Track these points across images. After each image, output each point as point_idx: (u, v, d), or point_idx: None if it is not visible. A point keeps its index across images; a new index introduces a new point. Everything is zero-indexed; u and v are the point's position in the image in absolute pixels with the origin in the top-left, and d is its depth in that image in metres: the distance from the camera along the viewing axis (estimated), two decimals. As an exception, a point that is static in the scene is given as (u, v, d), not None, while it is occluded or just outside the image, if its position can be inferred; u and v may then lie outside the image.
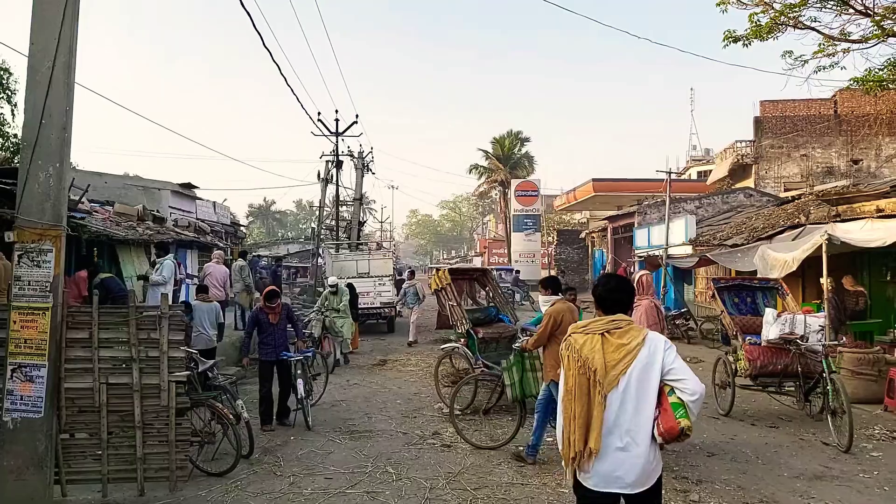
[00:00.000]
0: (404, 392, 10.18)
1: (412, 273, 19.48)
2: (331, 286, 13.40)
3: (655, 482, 3.29)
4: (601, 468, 3.20)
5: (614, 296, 3.48)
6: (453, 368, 10.54)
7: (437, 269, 10.57)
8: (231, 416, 6.45)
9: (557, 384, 3.90)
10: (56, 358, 5.39)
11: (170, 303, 5.87)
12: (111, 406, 5.56)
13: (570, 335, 3.42)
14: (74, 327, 5.53)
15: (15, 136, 17.57)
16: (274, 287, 9.13)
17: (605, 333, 3.30)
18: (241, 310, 15.83)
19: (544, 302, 7.04)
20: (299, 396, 8.12)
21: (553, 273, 32.79)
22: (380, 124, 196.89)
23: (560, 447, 3.34)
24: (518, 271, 33.15)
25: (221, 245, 24.46)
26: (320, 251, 24.98)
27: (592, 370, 3.23)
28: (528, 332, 7.59)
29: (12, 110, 18.67)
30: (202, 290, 10.68)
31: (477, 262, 56.86)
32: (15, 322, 5.30)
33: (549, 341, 6.42)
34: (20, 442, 5.27)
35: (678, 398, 3.19)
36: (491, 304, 11.14)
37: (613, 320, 3.36)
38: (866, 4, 14.46)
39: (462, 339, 9.39)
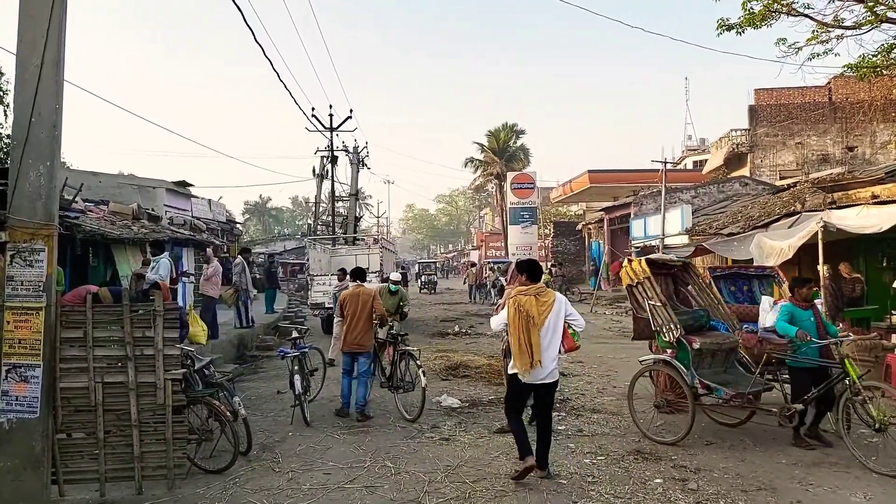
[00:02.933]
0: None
1: (344, 272, 13.59)
2: (393, 282, 11.51)
3: (556, 379, 6.09)
4: (536, 372, 5.85)
5: (535, 273, 6.18)
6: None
7: (629, 260, 8.12)
8: (228, 413, 6.42)
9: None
10: (51, 358, 5.37)
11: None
12: (107, 405, 5.54)
13: (516, 296, 5.98)
14: (69, 326, 5.51)
15: (8, 136, 17.51)
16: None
17: (535, 295, 5.95)
18: (245, 308, 15.49)
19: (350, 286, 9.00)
20: (296, 392, 8.11)
21: (551, 265, 32.80)
22: (374, 119, 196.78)
23: (513, 362, 5.91)
24: (494, 264, 35.36)
25: (218, 242, 24.43)
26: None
27: (531, 316, 5.83)
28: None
29: (4, 111, 18.58)
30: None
31: (474, 256, 56.89)
32: (8, 322, 5.28)
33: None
34: (16, 443, 5.25)
35: (573, 329, 6.14)
36: (698, 307, 8.44)
37: (538, 288, 6.05)
38: (859, -10, 14.45)
39: (670, 350, 7.46)
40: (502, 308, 6.69)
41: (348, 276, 11.34)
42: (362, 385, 8.42)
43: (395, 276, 11.94)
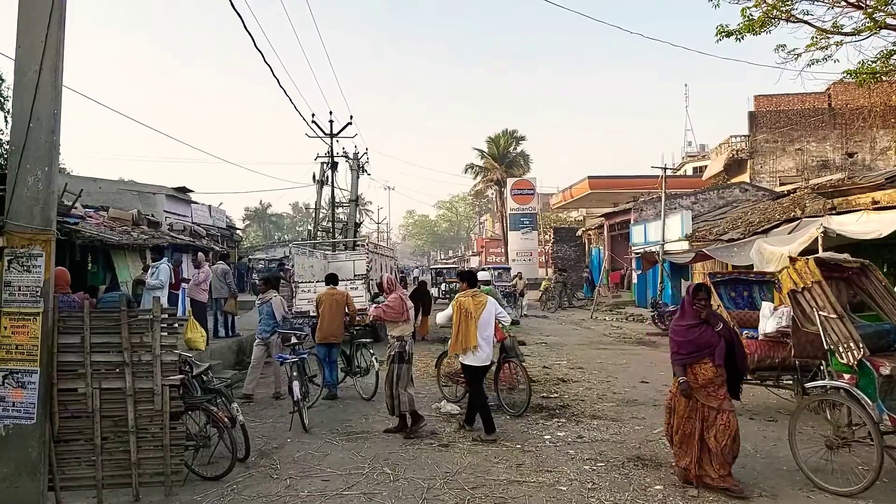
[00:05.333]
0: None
1: (268, 281, 10.95)
2: (482, 282, 10.12)
3: (489, 363, 7.88)
4: (479, 356, 7.62)
5: (472, 279, 8.12)
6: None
7: (794, 260, 6.73)
8: (226, 420, 6.39)
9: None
10: (48, 363, 5.34)
11: (163, 306, 5.84)
12: (104, 411, 5.51)
13: (458, 298, 7.87)
14: (66, 332, 5.48)
15: (8, 142, 17.49)
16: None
17: (472, 297, 7.76)
18: (225, 316, 14.97)
19: (322, 289, 10.38)
20: (295, 398, 8.08)
21: (551, 272, 32.77)
22: (374, 125, 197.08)
23: (451, 348, 7.89)
24: (520, 272, 32.53)
25: (218, 248, 24.41)
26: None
27: (469, 312, 7.61)
28: None
29: (5, 117, 18.59)
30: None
31: (474, 262, 56.89)
32: (6, 328, 5.25)
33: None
34: (13, 449, 5.21)
35: (503, 323, 8.15)
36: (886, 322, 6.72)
37: (474, 291, 7.90)
38: (858, -3, 14.47)
39: (848, 376, 5.98)
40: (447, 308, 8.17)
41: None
42: (334, 370, 10.02)
43: (484, 275, 10.89)
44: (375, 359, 9.85)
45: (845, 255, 6.82)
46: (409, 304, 8.22)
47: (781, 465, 6.48)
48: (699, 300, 5.90)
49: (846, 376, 6.01)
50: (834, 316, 6.08)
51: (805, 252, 10.87)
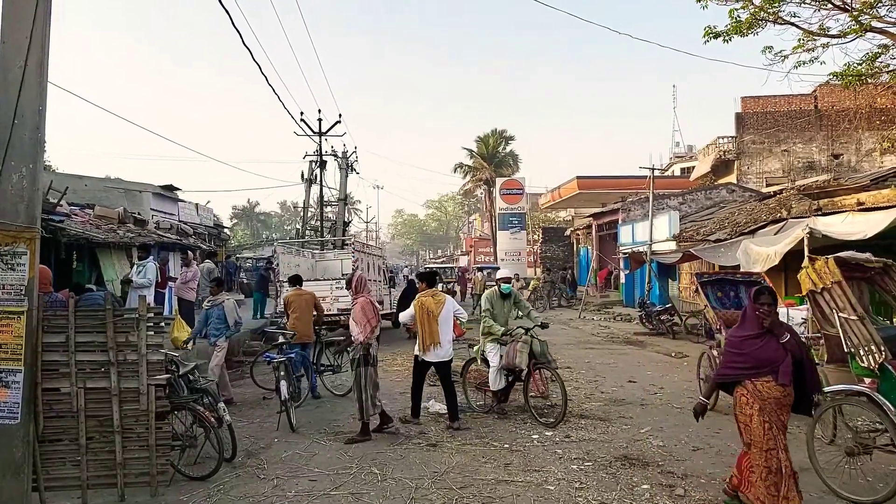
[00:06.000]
0: (390, 392, 10.12)
1: (219, 283, 10.22)
2: (503, 280, 8.96)
3: (450, 358, 8.14)
4: (437, 353, 7.94)
5: (431, 281, 8.46)
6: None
7: (813, 260, 6.45)
8: (213, 419, 6.36)
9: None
10: (32, 363, 5.28)
11: (149, 305, 5.79)
12: (89, 411, 5.46)
13: (419, 297, 8.13)
14: (51, 331, 5.43)
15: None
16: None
17: (432, 296, 8.08)
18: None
19: (289, 290, 10.79)
20: (282, 398, 8.05)
21: (539, 272, 32.84)
22: (363, 124, 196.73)
23: (417, 345, 8.06)
24: (516, 273, 32.19)
25: (205, 247, 24.27)
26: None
27: (430, 311, 7.93)
28: None
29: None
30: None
31: (463, 262, 56.91)
32: (-11, 327, 5.19)
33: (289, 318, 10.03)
34: (-4, 449, 5.15)
35: (460, 320, 8.34)
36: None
37: (434, 291, 8.25)
38: (844, 0, 14.59)
39: (869, 380, 5.77)
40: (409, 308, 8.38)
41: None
42: (310, 369, 10.07)
43: (504, 272, 9.36)
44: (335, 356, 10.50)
45: (867, 255, 6.57)
46: (377, 307, 8.18)
47: (767, 464, 6.50)
48: (762, 305, 4.97)
49: (867, 380, 5.78)
50: (854, 318, 5.83)
51: (792, 252, 10.97)
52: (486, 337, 8.69)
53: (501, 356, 8.43)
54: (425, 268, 39.51)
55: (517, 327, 8.70)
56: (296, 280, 11.13)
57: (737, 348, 5.08)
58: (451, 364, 8.32)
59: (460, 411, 8.34)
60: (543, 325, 8.78)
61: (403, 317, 8.47)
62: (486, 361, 8.77)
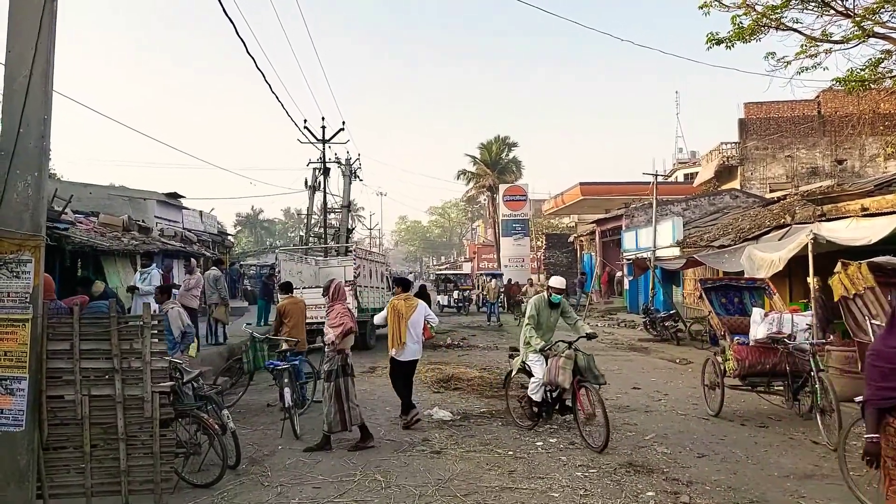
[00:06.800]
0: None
1: (164, 290, 8.69)
2: (555, 290, 8.33)
3: (417, 358, 8.72)
4: (406, 352, 8.40)
5: (405, 285, 9.00)
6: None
7: (846, 265, 6.28)
8: (217, 427, 6.36)
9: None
10: (37, 370, 5.30)
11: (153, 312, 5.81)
12: (94, 418, 5.47)
13: (392, 301, 8.61)
14: (55, 339, 5.44)
15: None
16: None
17: (404, 300, 8.50)
18: (216, 323, 14.90)
19: (280, 299, 10.75)
20: (286, 405, 8.05)
21: (533, 278, 32.74)
22: (367, 131, 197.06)
23: (393, 344, 8.43)
24: (529, 279, 31.05)
25: (209, 254, 24.31)
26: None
27: (401, 313, 8.34)
28: None
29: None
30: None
31: (466, 268, 56.91)
32: (-6, 334, 5.21)
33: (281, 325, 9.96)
34: (1, 456, 5.16)
35: (431, 325, 8.76)
36: None
37: (407, 295, 8.65)
38: (847, 5, 14.62)
39: None
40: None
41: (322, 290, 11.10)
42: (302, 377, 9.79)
43: (558, 280, 8.53)
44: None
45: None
46: (353, 314, 8.16)
47: (773, 471, 6.49)
48: None
49: None
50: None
51: (796, 258, 10.95)
52: (528, 347, 8.11)
53: (545, 370, 7.82)
54: (439, 274, 38.26)
55: (558, 341, 8.04)
56: (288, 287, 11.01)
57: (886, 361, 3.93)
58: (417, 363, 8.97)
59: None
60: (590, 336, 8.10)
61: (377, 318, 9.14)
62: (529, 373, 8.18)
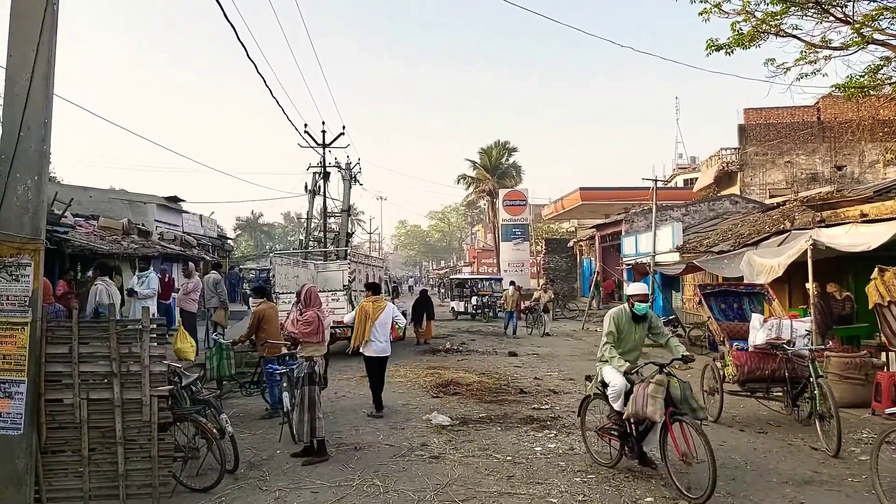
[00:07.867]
0: (392, 404, 10.10)
1: (102, 267, 10.65)
2: (638, 299, 6.73)
3: (388, 354, 9.70)
4: (374, 348, 9.42)
5: (375, 289, 10.04)
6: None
7: (883, 271, 6.09)
8: (215, 431, 6.35)
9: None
10: (36, 374, 5.30)
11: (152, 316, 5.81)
12: (92, 422, 5.47)
13: (362, 303, 9.81)
14: (54, 342, 5.44)
15: None
16: None
17: (373, 302, 9.56)
18: (215, 327, 14.46)
19: (253, 303, 11.25)
20: (285, 409, 8.03)
21: (541, 281, 32.73)
22: (367, 136, 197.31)
23: (353, 340, 9.69)
24: (543, 284, 29.27)
25: (209, 258, 24.32)
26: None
27: (367, 313, 9.40)
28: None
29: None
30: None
31: (466, 273, 56.93)
32: (-7, 338, 5.21)
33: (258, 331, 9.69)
34: (-1, 460, 5.16)
35: (399, 325, 10.32)
36: None
37: (375, 298, 9.70)
38: (846, 12, 14.63)
39: None
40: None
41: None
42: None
43: (640, 287, 6.94)
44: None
45: None
46: (328, 323, 7.95)
47: (771, 477, 6.48)
48: None
49: None
50: None
51: (795, 264, 10.94)
52: (604, 363, 6.68)
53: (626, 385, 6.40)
54: (454, 279, 36.36)
55: (646, 363, 6.56)
56: (263, 292, 10.88)
57: None
58: (388, 359, 9.89)
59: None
60: (686, 359, 6.37)
61: (347, 318, 10.55)
62: (605, 396, 6.73)
